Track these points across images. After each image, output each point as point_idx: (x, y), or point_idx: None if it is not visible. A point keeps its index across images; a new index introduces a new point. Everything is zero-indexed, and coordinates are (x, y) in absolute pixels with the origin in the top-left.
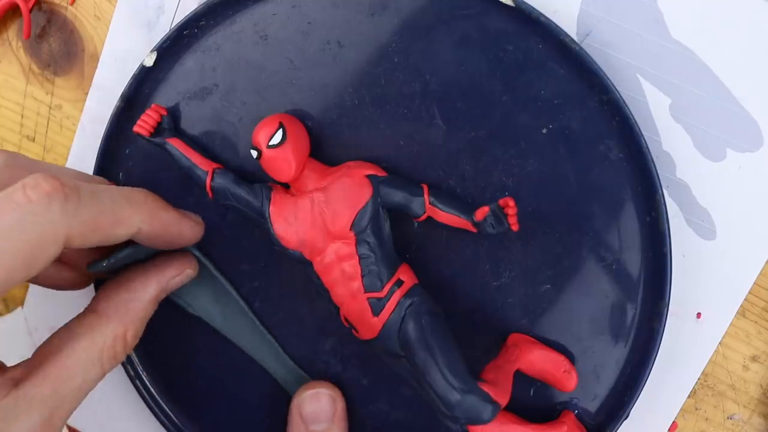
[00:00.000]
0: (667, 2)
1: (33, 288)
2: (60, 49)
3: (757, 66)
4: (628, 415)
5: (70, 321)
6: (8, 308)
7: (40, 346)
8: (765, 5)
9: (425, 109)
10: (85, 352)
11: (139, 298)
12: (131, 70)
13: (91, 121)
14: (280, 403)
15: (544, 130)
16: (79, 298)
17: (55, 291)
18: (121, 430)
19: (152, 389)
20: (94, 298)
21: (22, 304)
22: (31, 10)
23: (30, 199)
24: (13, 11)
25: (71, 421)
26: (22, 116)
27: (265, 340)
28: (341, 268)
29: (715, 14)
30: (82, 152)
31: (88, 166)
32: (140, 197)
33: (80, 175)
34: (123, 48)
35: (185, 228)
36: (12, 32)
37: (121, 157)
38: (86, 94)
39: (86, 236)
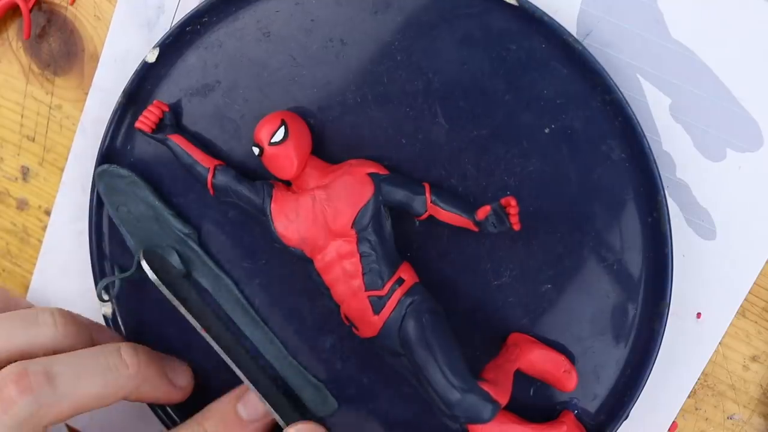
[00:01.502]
0: (667, 2)
1: (33, 287)
2: (60, 49)
3: (757, 66)
4: (628, 415)
5: None
6: None
7: None
8: (765, 5)
9: (428, 107)
10: None
11: None
12: (131, 70)
13: (91, 121)
14: None
15: (547, 130)
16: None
17: (55, 290)
18: (121, 429)
19: None
20: None
21: None
22: (31, 10)
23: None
24: (13, 11)
25: (71, 421)
26: (22, 116)
27: (267, 338)
28: (342, 266)
29: (715, 14)
30: (82, 152)
31: (88, 166)
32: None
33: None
34: (123, 48)
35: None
36: (12, 32)
37: (122, 154)
38: (86, 94)
39: (66, 418)
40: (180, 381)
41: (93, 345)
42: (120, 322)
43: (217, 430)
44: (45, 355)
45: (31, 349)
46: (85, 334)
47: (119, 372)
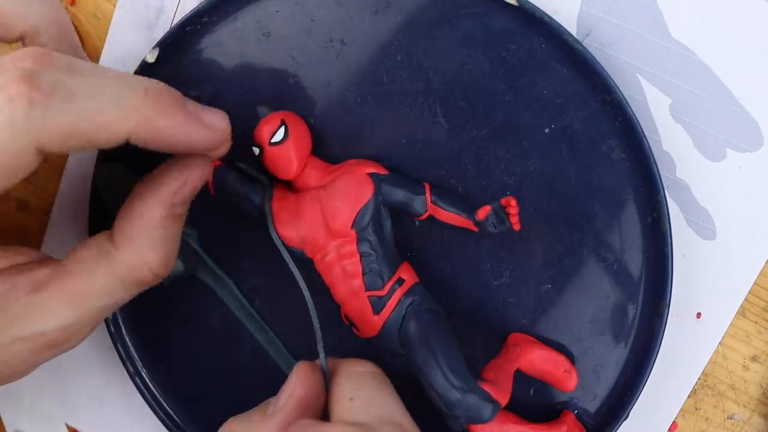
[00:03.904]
0: (667, 2)
1: None
2: None
3: (757, 66)
4: (628, 415)
5: (91, 241)
6: None
7: (65, 260)
8: (765, 5)
9: (428, 107)
10: (104, 278)
11: (147, 224)
12: (131, 70)
13: None
14: None
15: (547, 130)
16: None
17: None
18: (121, 429)
19: (153, 388)
20: (114, 223)
21: None
22: None
23: None
24: None
25: (71, 421)
26: None
27: (268, 338)
28: (342, 266)
29: (715, 14)
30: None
31: (88, 166)
32: (136, 99)
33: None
34: (123, 48)
35: (194, 135)
36: None
37: (122, 154)
38: None
39: (62, 143)
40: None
41: None
42: (120, 322)
43: (159, 88)
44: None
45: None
46: None
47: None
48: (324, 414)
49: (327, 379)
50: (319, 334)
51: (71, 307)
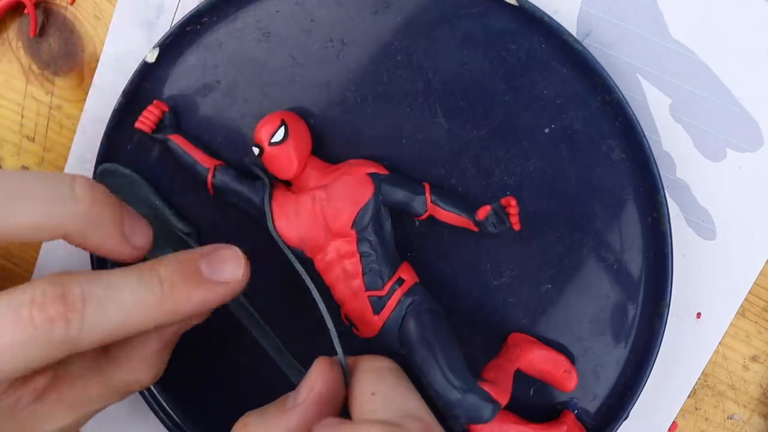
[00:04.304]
0: (667, 2)
1: None
2: (60, 49)
3: (757, 66)
4: (628, 415)
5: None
6: None
7: (60, 368)
8: (765, 5)
9: (428, 107)
10: (98, 388)
11: (144, 352)
12: (131, 70)
13: (91, 121)
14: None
15: (547, 130)
16: None
17: None
18: (121, 429)
19: (152, 387)
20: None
21: None
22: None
23: (34, 323)
24: (13, 11)
25: None
26: (22, 116)
27: (268, 338)
28: (342, 266)
29: (715, 14)
30: (82, 152)
31: (88, 166)
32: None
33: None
34: (123, 48)
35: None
36: (12, 32)
37: (122, 154)
38: (86, 94)
39: (95, 344)
40: (137, 239)
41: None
42: None
43: (172, 277)
44: None
45: None
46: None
47: (65, 204)
48: (343, 410)
49: (347, 375)
50: (333, 331)
51: (70, 412)
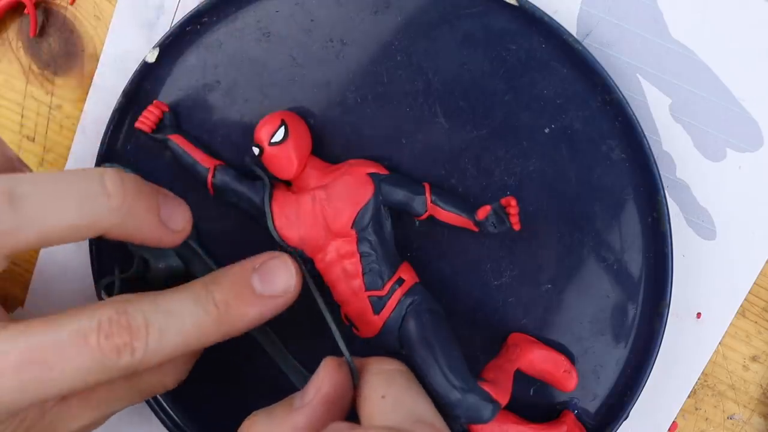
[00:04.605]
0: (667, 2)
1: (33, 287)
2: (60, 49)
3: (757, 66)
4: (628, 415)
5: None
6: (9, 309)
7: None
8: (765, 5)
9: (428, 107)
10: (124, 390)
11: (175, 359)
12: (131, 70)
13: (91, 121)
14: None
15: (547, 130)
16: (80, 298)
17: (55, 290)
18: (121, 429)
19: None
20: None
21: (22, 304)
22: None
23: (102, 350)
24: (13, 11)
25: None
26: (22, 116)
27: (268, 338)
28: (342, 266)
29: (715, 14)
30: (82, 152)
31: (88, 166)
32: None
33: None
34: (123, 48)
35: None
36: (12, 32)
37: (122, 154)
38: (86, 94)
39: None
40: (175, 222)
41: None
42: None
43: (227, 298)
44: None
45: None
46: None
47: (98, 202)
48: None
49: (355, 376)
50: (337, 332)
51: (95, 411)
